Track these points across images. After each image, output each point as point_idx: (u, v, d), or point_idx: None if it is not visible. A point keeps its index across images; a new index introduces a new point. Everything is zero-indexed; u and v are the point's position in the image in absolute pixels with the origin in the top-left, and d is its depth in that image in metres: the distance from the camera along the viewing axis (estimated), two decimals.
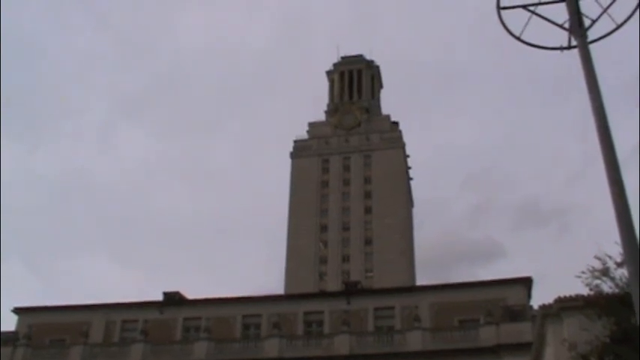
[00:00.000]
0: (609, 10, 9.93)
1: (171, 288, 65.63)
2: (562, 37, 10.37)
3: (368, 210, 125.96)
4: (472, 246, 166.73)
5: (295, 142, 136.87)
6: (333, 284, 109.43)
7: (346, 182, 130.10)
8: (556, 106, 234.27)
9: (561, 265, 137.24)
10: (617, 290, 22.72)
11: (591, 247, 23.51)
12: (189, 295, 65.76)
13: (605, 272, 23.08)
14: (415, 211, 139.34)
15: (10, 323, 64.43)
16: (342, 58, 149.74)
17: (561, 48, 10.30)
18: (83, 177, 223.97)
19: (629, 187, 8.94)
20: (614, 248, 20.45)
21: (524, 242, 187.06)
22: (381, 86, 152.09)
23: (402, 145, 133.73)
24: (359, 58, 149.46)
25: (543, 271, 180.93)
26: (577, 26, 10.06)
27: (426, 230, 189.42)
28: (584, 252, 23.89)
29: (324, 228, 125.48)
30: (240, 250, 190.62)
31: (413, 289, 71.44)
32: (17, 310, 65.32)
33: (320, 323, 60.15)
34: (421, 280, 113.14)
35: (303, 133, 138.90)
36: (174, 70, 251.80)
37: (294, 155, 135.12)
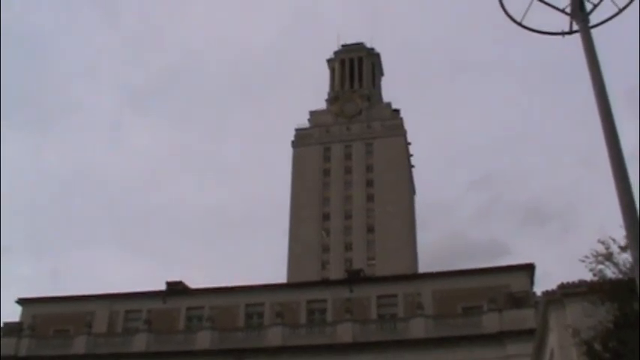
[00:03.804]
0: None
1: (174, 278, 65.81)
2: (564, 23, 10.31)
3: (370, 198, 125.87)
4: (476, 245, 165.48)
5: (297, 130, 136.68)
6: (336, 272, 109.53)
7: (348, 170, 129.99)
8: (559, 97, 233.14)
9: (565, 264, 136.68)
10: (620, 276, 22.69)
11: (595, 245, 23.48)
12: (192, 284, 65.90)
13: (608, 257, 23.05)
14: (418, 210, 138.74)
15: (14, 314, 64.67)
16: (343, 46, 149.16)
17: (563, 33, 10.25)
18: (91, 170, 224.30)
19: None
20: (618, 232, 20.43)
21: (528, 241, 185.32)
22: (381, 74, 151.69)
23: (403, 133, 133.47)
24: (359, 46, 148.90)
25: (547, 269, 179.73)
26: (578, 10, 10.01)
27: (429, 229, 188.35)
28: (589, 249, 23.81)
29: (326, 216, 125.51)
30: (242, 240, 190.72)
31: (415, 277, 71.49)
32: (21, 301, 65.52)
33: (323, 311, 60.19)
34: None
35: (304, 121, 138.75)
36: (179, 64, 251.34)
37: (295, 144, 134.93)
